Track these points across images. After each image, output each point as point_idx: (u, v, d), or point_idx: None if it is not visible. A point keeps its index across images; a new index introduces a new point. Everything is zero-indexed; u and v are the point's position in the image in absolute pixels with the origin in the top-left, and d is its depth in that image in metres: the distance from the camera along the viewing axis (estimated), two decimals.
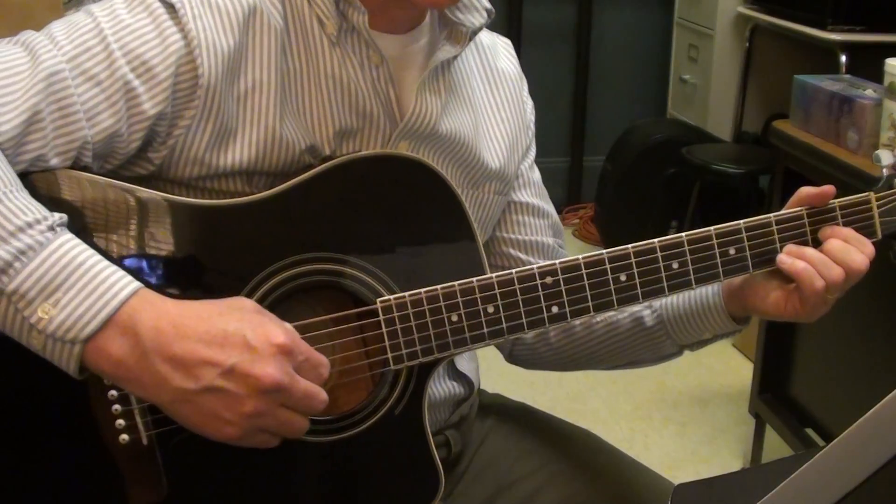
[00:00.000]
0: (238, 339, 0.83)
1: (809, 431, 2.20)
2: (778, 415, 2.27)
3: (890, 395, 0.59)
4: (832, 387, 2.16)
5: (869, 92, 2.00)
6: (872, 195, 1.07)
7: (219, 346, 0.82)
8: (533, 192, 1.20)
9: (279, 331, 0.85)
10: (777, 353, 2.30)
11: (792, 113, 2.19)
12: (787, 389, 2.31)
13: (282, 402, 0.85)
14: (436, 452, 1.00)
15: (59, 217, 0.84)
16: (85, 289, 0.81)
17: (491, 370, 1.41)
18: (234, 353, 0.82)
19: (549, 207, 1.22)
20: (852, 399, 2.07)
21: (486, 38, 1.16)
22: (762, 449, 2.43)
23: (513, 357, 1.26)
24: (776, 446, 2.40)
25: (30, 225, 0.82)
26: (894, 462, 0.58)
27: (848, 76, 2.26)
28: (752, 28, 3.46)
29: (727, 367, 2.99)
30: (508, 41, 1.21)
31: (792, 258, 1.03)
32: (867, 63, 2.38)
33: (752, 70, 3.54)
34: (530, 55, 3.91)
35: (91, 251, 0.83)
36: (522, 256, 1.18)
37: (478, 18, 1.07)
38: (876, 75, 1.94)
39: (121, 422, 0.89)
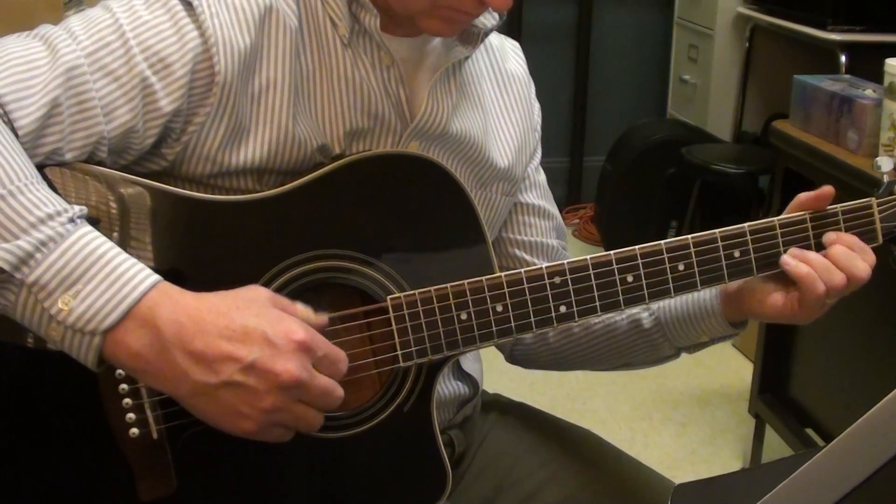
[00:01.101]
0: (258, 335, 0.83)
1: (809, 431, 2.20)
2: (778, 415, 2.27)
3: (890, 395, 0.59)
4: (832, 387, 2.16)
5: (869, 92, 2.00)
6: (874, 201, 1.08)
7: (240, 342, 0.83)
8: (538, 193, 1.21)
9: (298, 326, 0.85)
10: (777, 353, 2.30)
11: (792, 113, 2.19)
12: (787, 389, 2.31)
13: (299, 397, 0.85)
14: (444, 450, 1.00)
15: (79, 209, 0.84)
16: (105, 280, 0.81)
17: (491, 370, 1.40)
18: (254, 349, 0.83)
19: (554, 209, 1.23)
20: (852, 399, 2.07)
21: (495, 39, 1.17)
22: (762, 449, 2.43)
23: (513, 357, 1.26)
24: (776, 446, 2.39)
25: (50, 217, 0.82)
26: (894, 462, 0.58)
27: (848, 76, 2.26)
28: (752, 28, 3.46)
29: (727, 367, 2.99)
30: (517, 44, 1.21)
31: (796, 261, 1.04)
32: (867, 63, 2.38)
33: (752, 70, 3.54)
34: (530, 55, 3.86)
35: (111, 243, 0.84)
36: (527, 257, 1.18)
37: (489, 20, 1.07)
38: (876, 75, 1.93)
39: (131, 416, 0.90)
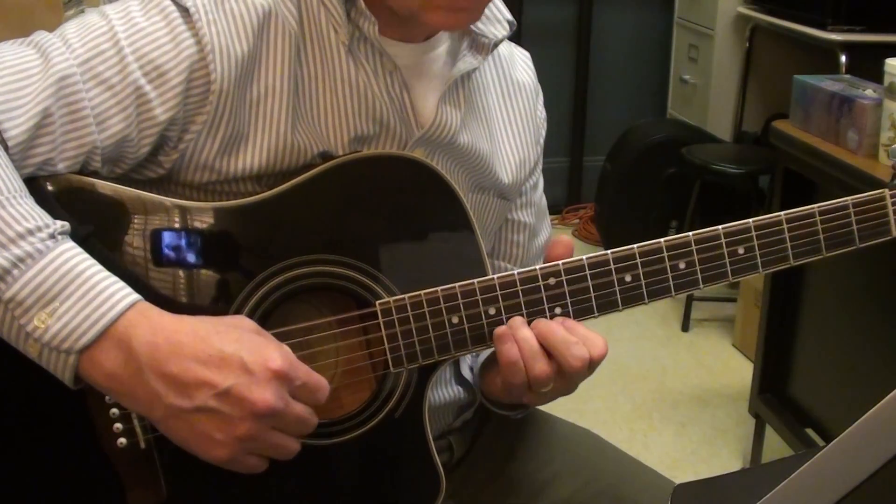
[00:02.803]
0: (235, 362, 0.82)
1: (809, 431, 2.20)
2: (778, 415, 2.27)
3: (890, 395, 0.59)
4: (832, 387, 2.16)
5: (869, 92, 2.00)
6: (887, 192, 1.04)
7: (215, 367, 0.82)
8: (531, 212, 1.19)
9: (277, 355, 0.84)
10: (777, 353, 2.30)
11: (792, 113, 2.19)
12: (787, 389, 2.31)
13: (274, 425, 0.85)
14: (436, 455, 0.99)
15: (60, 225, 0.84)
16: (82, 299, 0.81)
17: None
18: (230, 376, 0.82)
19: (544, 228, 1.22)
20: (852, 399, 2.07)
21: (504, 48, 1.15)
22: (762, 449, 2.43)
23: None
24: (776, 446, 2.40)
25: (30, 232, 0.81)
26: (894, 462, 0.58)
27: (848, 76, 2.26)
28: (752, 28, 3.46)
29: (727, 367, 2.99)
30: (527, 53, 1.19)
31: (508, 342, 0.95)
32: (867, 63, 2.38)
33: (752, 70, 3.54)
34: (531, 55, 3.89)
35: (91, 261, 0.83)
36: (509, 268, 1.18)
37: (500, 30, 1.06)
38: (876, 75, 1.94)
39: (118, 426, 0.89)
